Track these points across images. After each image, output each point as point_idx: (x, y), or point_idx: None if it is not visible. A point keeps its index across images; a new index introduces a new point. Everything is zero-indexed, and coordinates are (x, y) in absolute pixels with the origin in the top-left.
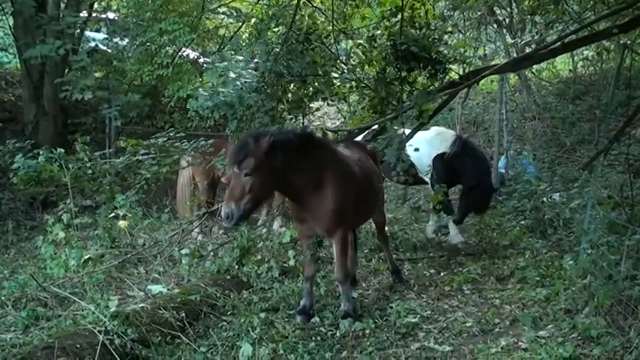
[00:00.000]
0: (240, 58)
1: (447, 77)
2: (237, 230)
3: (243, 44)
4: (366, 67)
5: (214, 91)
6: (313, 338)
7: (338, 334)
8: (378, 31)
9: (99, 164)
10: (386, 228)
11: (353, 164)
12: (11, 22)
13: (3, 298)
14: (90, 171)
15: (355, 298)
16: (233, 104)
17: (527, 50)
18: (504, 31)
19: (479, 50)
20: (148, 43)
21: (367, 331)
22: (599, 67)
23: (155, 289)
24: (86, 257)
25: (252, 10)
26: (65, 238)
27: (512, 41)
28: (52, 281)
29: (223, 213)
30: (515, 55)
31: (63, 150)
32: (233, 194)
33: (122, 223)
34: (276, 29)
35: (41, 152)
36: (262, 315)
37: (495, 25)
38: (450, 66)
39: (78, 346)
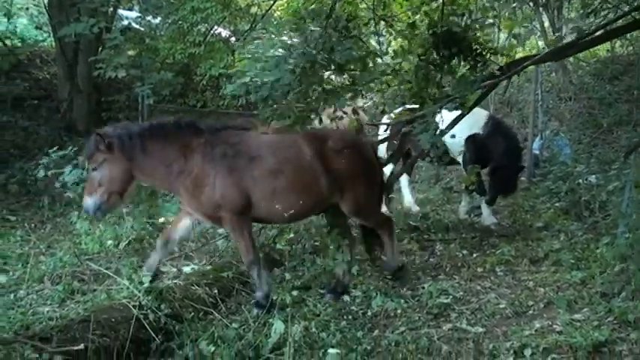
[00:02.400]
0: (278, 39)
1: (488, 69)
2: None
3: (275, 22)
4: (406, 55)
5: (250, 75)
6: (344, 317)
7: (369, 313)
8: (417, 16)
9: None
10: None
11: (253, 151)
12: (46, 0)
13: (41, 272)
14: None
15: (273, 284)
16: (270, 88)
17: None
18: (541, 9)
19: (514, 29)
20: (181, 21)
21: (399, 311)
22: (638, 46)
23: (188, 268)
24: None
25: None
26: None
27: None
28: (87, 256)
29: (83, 206)
30: (551, 35)
31: None
32: (87, 188)
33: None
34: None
35: None
36: (294, 293)
37: (532, 4)
38: (491, 56)
39: (113, 320)
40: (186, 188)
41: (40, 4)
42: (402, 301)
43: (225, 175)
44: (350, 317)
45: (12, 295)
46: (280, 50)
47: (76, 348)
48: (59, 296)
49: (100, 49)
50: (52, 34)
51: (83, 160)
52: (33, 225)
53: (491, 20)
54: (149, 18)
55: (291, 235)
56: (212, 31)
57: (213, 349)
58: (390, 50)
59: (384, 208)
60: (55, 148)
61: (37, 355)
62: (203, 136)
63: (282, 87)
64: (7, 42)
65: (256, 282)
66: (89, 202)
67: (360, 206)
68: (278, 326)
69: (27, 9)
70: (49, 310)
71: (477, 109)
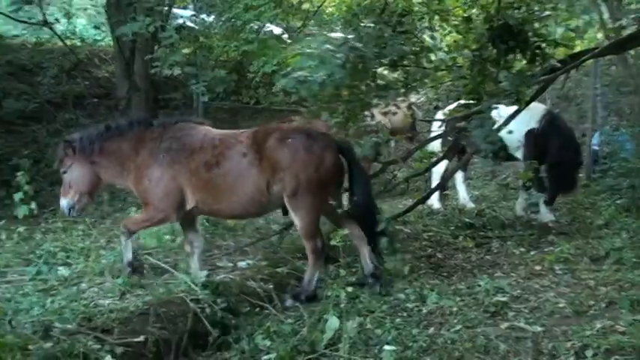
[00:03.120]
0: (333, 35)
1: (547, 62)
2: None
3: (327, 18)
4: (461, 49)
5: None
6: (399, 314)
7: (424, 311)
8: (474, 10)
9: None
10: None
11: (195, 145)
12: (104, 0)
13: (102, 266)
14: None
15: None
16: (322, 84)
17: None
18: (599, 1)
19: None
20: (234, 19)
21: (454, 309)
22: None
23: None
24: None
25: None
26: None
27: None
28: (145, 251)
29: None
30: (610, 26)
31: None
32: (61, 191)
33: (230, 223)
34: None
35: None
36: (349, 289)
37: None
38: (549, 49)
39: (171, 313)
40: (135, 182)
41: (98, 4)
42: (458, 298)
43: (166, 168)
44: (405, 314)
45: (75, 288)
46: (330, 46)
47: (136, 340)
48: (119, 289)
49: (156, 47)
50: (110, 34)
51: (55, 164)
52: (94, 220)
53: (548, 12)
54: (203, 16)
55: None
56: (265, 29)
57: (268, 343)
58: (444, 45)
59: (436, 205)
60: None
61: (99, 346)
62: (155, 131)
63: (332, 82)
64: (68, 42)
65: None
66: (63, 203)
67: (299, 200)
68: (333, 322)
69: (85, 9)
70: (110, 303)
71: (534, 104)
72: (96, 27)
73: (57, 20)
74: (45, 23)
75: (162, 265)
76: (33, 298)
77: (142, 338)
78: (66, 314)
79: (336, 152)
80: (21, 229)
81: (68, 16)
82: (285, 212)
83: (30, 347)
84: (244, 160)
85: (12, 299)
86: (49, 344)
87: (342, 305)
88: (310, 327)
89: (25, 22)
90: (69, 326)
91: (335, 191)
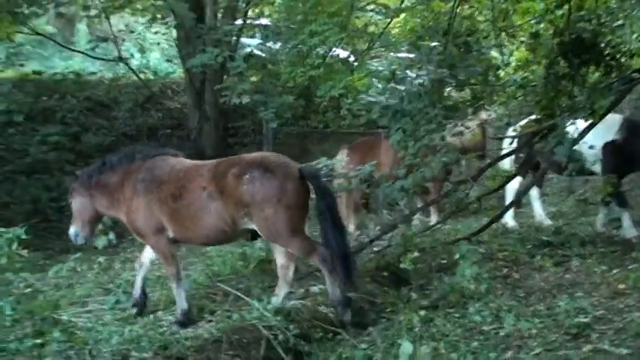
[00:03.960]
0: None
1: (623, 73)
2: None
3: (393, 39)
4: (530, 65)
5: (371, 94)
6: (476, 337)
7: (502, 333)
8: (542, 25)
9: None
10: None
11: (169, 180)
12: (175, 34)
13: None
14: None
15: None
16: (396, 112)
17: None
18: None
19: None
20: (300, 45)
21: (533, 331)
22: None
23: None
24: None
25: (401, 3)
26: None
27: None
28: (218, 278)
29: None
30: None
31: None
32: (72, 219)
33: None
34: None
35: None
36: (422, 312)
37: None
38: (625, 60)
39: (244, 340)
40: (124, 213)
41: (170, 38)
42: (537, 320)
43: (137, 197)
44: (481, 337)
45: (151, 316)
46: (395, 67)
47: None
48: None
49: (225, 77)
50: (181, 66)
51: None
52: None
53: (621, 22)
54: (270, 44)
55: (416, 254)
56: (331, 53)
57: None
58: (512, 62)
59: (511, 223)
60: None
61: None
62: (136, 164)
63: (408, 110)
64: (141, 76)
65: (176, 298)
66: (70, 231)
67: (273, 232)
68: (406, 347)
69: (158, 44)
70: (185, 332)
71: (609, 115)
72: (168, 60)
73: (132, 56)
74: (120, 59)
75: (235, 292)
76: (112, 327)
77: None
78: (143, 343)
79: (296, 180)
80: (101, 259)
81: (142, 51)
82: (254, 237)
83: None
84: (204, 194)
85: (93, 329)
86: None
87: (415, 329)
88: (384, 352)
89: (102, 59)
90: (145, 355)
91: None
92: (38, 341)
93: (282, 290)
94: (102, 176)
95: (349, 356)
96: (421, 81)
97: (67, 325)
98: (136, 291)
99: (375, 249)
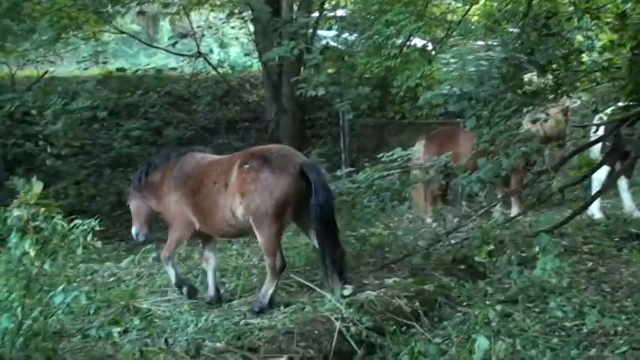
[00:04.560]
0: (475, 44)
1: None
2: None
3: (472, 27)
4: (617, 49)
5: (448, 85)
6: (556, 333)
7: (584, 330)
8: (629, 5)
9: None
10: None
11: (193, 175)
12: (252, 28)
13: (253, 284)
14: None
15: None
16: (470, 97)
17: None
18: None
19: None
20: (376, 36)
21: (619, 329)
22: None
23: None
24: None
25: None
26: None
27: None
28: (293, 269)
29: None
30: None
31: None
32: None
33: (374, 240)
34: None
35: None
36: (499, 307)
37: None
38: None
39: (316, 332)
40: (162, 208)
41: (247, 32)
42: (623, 317)
43: (171, 192)
44: (562, 334)
45: (226, 306)
46: (472, 57)
47: (281, 359)
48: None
49: (302, 69)
50: (258, 60)
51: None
52: (247, 239)
53: None
54: (346, 35)
55: (494, 246)
56: (407, 43)
57: None
58: (598, 45)
59: (597, 214)
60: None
61: None
62: (172, 162)
63: (483, 96)
64: (220, 70)
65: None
66: (132, 230)
67: (258, 219)
68: (482, 342)
69: (237, 38)
70: (259, 322)
71: None
72: (246, 54)
73: (211, 51)
74: (199, 54)
75: (308, 283)
76: (189, 316)
77: (284, 358)
78: (217, 332)
79: (292, 174)
80: (180, 250)
81: (221, 45)
82: None
83: None
84: (214, 187)
85: (170, 317)
86: None
87: (492, 324)
88: (458, 347)
89: (182, 55)
90: (218, 344)
91: (300, 210)
92: (118, 328)
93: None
94: (148, 177)
95: (423, 350)
96: (496, 66)
97: (146, 314)
98: (210, 288)
99: (452, 241)
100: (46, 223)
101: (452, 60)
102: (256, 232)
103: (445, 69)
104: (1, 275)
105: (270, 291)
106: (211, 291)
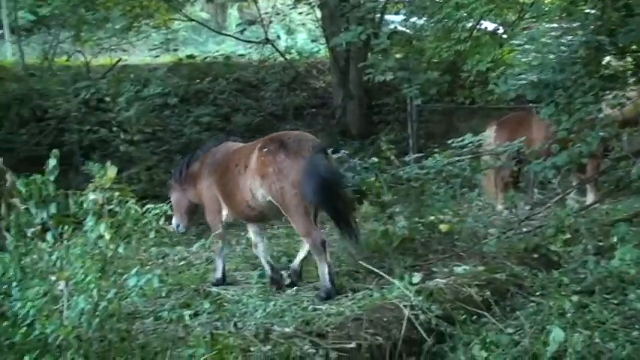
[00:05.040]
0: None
1: None
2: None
3: (546, 9)
4: None
5: (523, 71)
6: (636, 326)
7: None
8: None
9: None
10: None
11: (222, 161)
12: (319, 14)
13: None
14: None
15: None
16: (548, 84)
17: None
18: None
19: None
20: (445, 19)
21: None
22: None
23: (459, 268)
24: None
25: None
26: (372, 214)
27: None
28: (361, 256)
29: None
30: None
31: (376, 159)
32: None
33: (443, 227)
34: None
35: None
36: (575, 298)
37: None
38: None
39: (385, 319)
40: (200, 197)
41: (315, 18)
42: None
43: (204, 179)
44: None
45: (294, 291)
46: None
47: (349, 346)
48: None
49: (369, 54)
50: (326, 45)
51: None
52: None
53: None
54: (414, 19)
55: (569, 235)
56: (478, 26)
57: (486, 354)
58: None
59: None
60: (329, 151)
61: (314, 351)
62: (208, 152)
63: (562, 82)
64: (287, 57)
65: (217, 268)
66: (173, 222)
67: (282, 204)
68: (557, 334)
69: (304, 24)
70: (327, 308)
71: None
72: (313, 40)
73: (278, 37)
74: (267, 41)
75: (376, 270)
76: (257, 301)
77: (353, 344)
78: (286, 317)
79: (305, 157)
80: (249, 235)
81: (289, 32)
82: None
83: (251, 349)
84: (236, 170)
85: (239, 301)
86: (267, 347)
87: (567, 315)
88: (532, 338)
89: (250, 42)
90: (287, 329)
91: None
92: (188, 311)
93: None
94: (189, 170)
95: (494, 340)
96: (574, 50)
97: (215, 297)
98: (268, 271)
99: (524, 229)
100: (120, 207)
101: (527, 46)
102: (287, 217)
103: (521, 55)
104: (77, 258)
105: (326, 270)
106: (270, 272)
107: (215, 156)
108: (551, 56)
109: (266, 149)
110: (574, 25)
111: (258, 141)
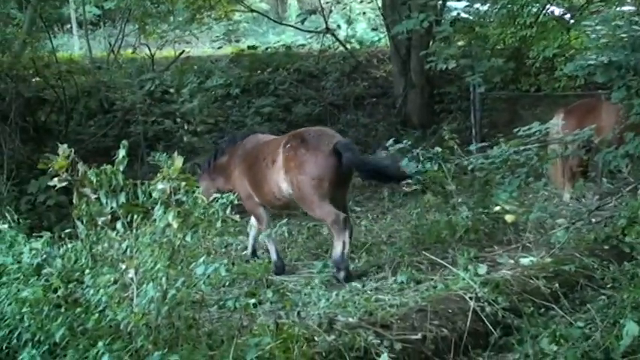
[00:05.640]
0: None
1: None
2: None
3: None
4: None
5: (592, 54)
6: None
7: None
8: None
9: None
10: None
11: (251, 152)
12: (380, 2)
13: (382, 261)
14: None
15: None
16: (620, 66)
17: None
18: None
19: None
20: (510, 4)
21: None
22: None
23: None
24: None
25: None
26: (435, 204)
27: None
28: (424, 246)
29: None
30: None
31: (439, 149)
32: None
33: (509, 217)
34: None
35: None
36: None
37: None
38: None
39: (450, 310)
40: (231, 184)
41: (375, 7)
42: None
43: (236, 169)
44: None
45: (357, 282)
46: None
47: (414, 337)
48: (400, 286)
49: (431, 42)
50: (386, 34)
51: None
52: (375, 215)
53: None
54: (477, 5)
55: None
56: (544, 11)
57: (555, 348)
58: None
59: None
60: (391, 141)
61: (379, 341)
62: (238, 144)
63: (635, 64)
64: (348, 46)
65: (271, 252)
66: None
67: (300, 197)
68: (631, 328)
69: (364, 13)
70: (390, 298)
71: None
72: (374, 29)
73: (339, 27)
74: (327, 30)
75: (440, 261)
76: (320, 291)
77: (419, 335)
78: (349, 308)
79: (324, 152)
80: (310, 224)
81: (349, 21)
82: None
83: (315, 339)
84: (264, 163)
85: (301, 291)
86: (332, 337)
87: None
88: (603, 332)
89: (310, 32)
90: (351, 320)
91: (337, 184)
92: (252, 300)
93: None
94: (217, 161)
95: (564, 334)
96: None
97: (278, 287)
98: (249, 252)
99: (594, 220)
100: (187, 196)
101: (598, 27)
102: (302, 207)
103: (592, 36)
104: (146, 246)
105: (339, 248)
106: (249, 253)
107: (245, 147)
108: (624, 36)
109: (289, 145)
110: None
111: (284, 136)
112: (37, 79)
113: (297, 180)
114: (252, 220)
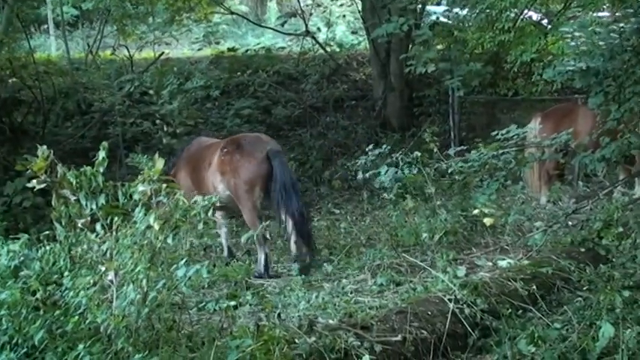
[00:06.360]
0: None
1: None
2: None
3: None
4: None
5: (570, 59)
6: None
7: None
8: None
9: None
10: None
11: (194, 155)
12: (360, 6)
13: (361, 263)
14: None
15: None
16: (597, 73)
17: None
18: None
19: None
20: (488, 9)
21: None
22: None
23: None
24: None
25: None
26: (414, 207)
27: None
28: (403, 248)
29: None
30: None
31: (418, 153)
32: None
33: (487, 220)
34: None
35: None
36: (625, 293)
37: None
38: None
39: (429, 312)
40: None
41: (355, 10)
42: None
43: (182, 170)
44: None
45: (336, 284)
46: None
47: (394, 339)
48: (378, 287)
49: (410, 46)
50: (366, 37)
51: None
52: (355, 218)
53: None
54: (456, 10)
55: (620, 229)
56: (522, 16)
57: (533, 349)
58: None
59: None
60: (371, 146)
61: (359, 343)
62: (185, 147)
63: (612, 71)
64: (328, 49)
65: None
66: None
67: (236, 197)
68: (607, 329)
69: (344, 16)
70: (370, 300)
71: None
72: (353, 32)
73: (318, 29)
74: (307, 33)
75: (419, 263)
76: (299, 292)
77: (399, 337)
78: (329, 309)
79: (257, 158)
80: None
81: (329, 24)
82: None
83: (296, 341)
84: (202, 165)
85: (281, 293)
86: (312, 339)
87: (616, 311)
88: (580, 333)
89: (290, 34)
90: (331, 321)
91: (268, 189)
92: (233, 303)
93: None
94: (174, 164)
95: (542, 335)
96: (626, 38)
97: (258, 289)
98: (225, 253)
99: (570, 223)
100: (168, 198)
101: (576, 33)
102: (240, 208)
103: (572, 43)
104: (126, 248)
105: (263, 257)
106: (226, 254)
107: (189, 150)
108: (602, 44)
109: (225, 149)
110: (626, 11)
111: (222, 141)
112: (14, 79)
113: (233, 183)
114: (219, 220)
